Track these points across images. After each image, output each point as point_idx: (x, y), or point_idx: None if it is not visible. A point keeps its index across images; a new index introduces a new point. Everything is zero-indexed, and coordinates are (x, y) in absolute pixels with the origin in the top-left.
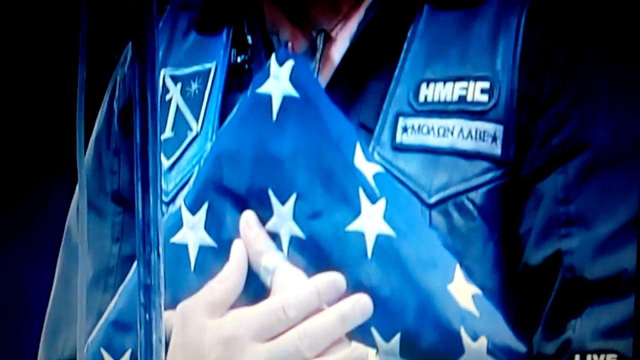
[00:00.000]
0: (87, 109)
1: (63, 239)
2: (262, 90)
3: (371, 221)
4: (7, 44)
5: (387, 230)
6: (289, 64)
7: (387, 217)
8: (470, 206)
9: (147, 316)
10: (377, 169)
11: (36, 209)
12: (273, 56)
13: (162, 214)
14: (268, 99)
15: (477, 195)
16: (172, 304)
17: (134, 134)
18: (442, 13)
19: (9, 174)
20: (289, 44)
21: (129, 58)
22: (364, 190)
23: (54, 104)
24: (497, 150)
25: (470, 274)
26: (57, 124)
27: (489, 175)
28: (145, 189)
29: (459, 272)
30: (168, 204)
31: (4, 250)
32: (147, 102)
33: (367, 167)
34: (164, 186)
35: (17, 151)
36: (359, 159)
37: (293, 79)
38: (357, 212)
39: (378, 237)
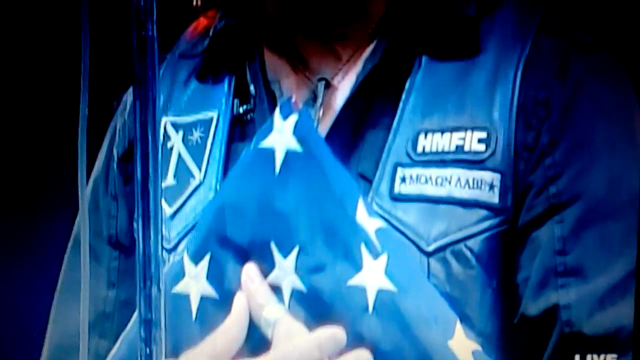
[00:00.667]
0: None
1: (61, 272)
2: (265, 144)
3: (373, 276)
4: (8, 78)
5: (389, 285)
6: (293, 118)
7: (389, 273)
8: (468, 254)
9: (148, 350)
10: (379, 224)
11: (36, 246)
12: (277, 110)
13: (163, 249)
14: (271, 152)
15: (475, 243)
16: (174, 354)
17: (136, 162)
18: (440, 64)
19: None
20: (293, 98)
21: (129, 105)
22: (366, 246)
23: (57, 138)
24: (494, 198)
25: (468, 321)
26: (57, 162)
27: (487, 224)
28: (146, 223)
29: (459, 328)
30: (170, 251)
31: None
32: (147, 139)
33: (369, 223)
34: (165, 233)
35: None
36: (361, 215)
37: (297, 133)
38: (358, 267)
39: (379, 292)
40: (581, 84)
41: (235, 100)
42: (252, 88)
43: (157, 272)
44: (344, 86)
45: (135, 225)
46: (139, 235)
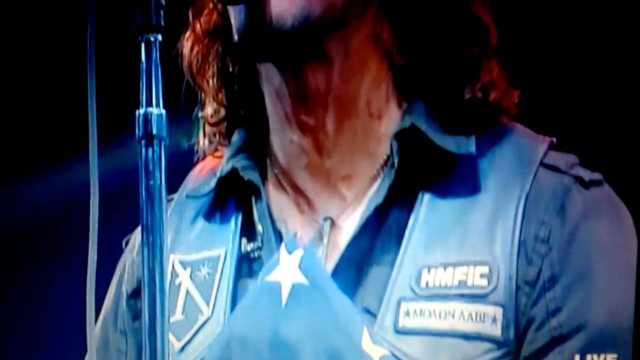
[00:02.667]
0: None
1: None
2: (272, 277)
3: None
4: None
5: None
6: (299, 252)
7: None
8: None
9: None
10: (384, 352)
11: None
12: (283, 245)
13: None
14: (278, 285)
15: None
16: None
17: (144, 305)
18: (442, 201)
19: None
20: (298, 234)
21: (137, 244)
22: None
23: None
24: (497, 331)
25: None
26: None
27: (490, 356)
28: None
29: None
30: None
31: None
32: (155, 283)
33: (374, 350)
34: None
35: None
36: (367, 343)
37: (302, 267)
38: None
39: None
40: (581, 221)
41: (243, 239)
42: (260, 227)
43: None
44: (349, 225)
45: None
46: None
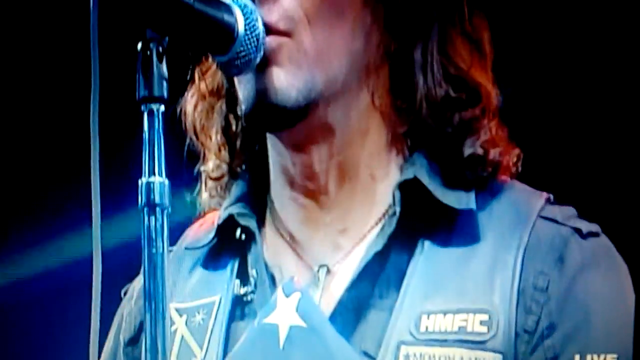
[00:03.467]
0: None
1: None
2: (269, 320)
3: None
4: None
5: None
6: (296, 295)
7: None
8: None
9: None
10: None
11: None
12: (280, 288)
13: None
14: (275, 328)
15: None
16: None
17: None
18: (442, 250)
19: None
20: (295, 278)
21: (135, 293)
22: None
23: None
24: None
25: None
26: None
27: None
28: None
29: None
30: None
31: None
32: (157, 346)
33: None
34: None
35: None
36: None
37: (300, 310)
38: None
39: None
40: (579, 272)
41: (237, 282)
42: (253, 271)
43: None
44: (345, 271)
45: None
46: None
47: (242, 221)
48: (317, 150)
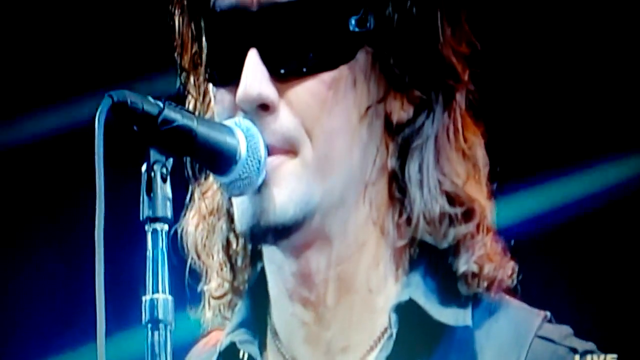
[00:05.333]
0: None
1: None
2: None
3: None
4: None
5: None
6: None
7: None
8: None
9: None
10: None
11: None
12: None
13: None
14: None
15: None
16: None
17: None
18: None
19: None
20: None
21: None
22: None
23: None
24: None
25: None
26: None
27: None
28: None
29: None
30: None
31: None
32: None
33: None
34: None
35: None
36: None
37: None
38: None
39: None
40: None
41: None
42: None
43: None
44: None
45: None
46: None
47: (244, 348)
48: (315, 259)
